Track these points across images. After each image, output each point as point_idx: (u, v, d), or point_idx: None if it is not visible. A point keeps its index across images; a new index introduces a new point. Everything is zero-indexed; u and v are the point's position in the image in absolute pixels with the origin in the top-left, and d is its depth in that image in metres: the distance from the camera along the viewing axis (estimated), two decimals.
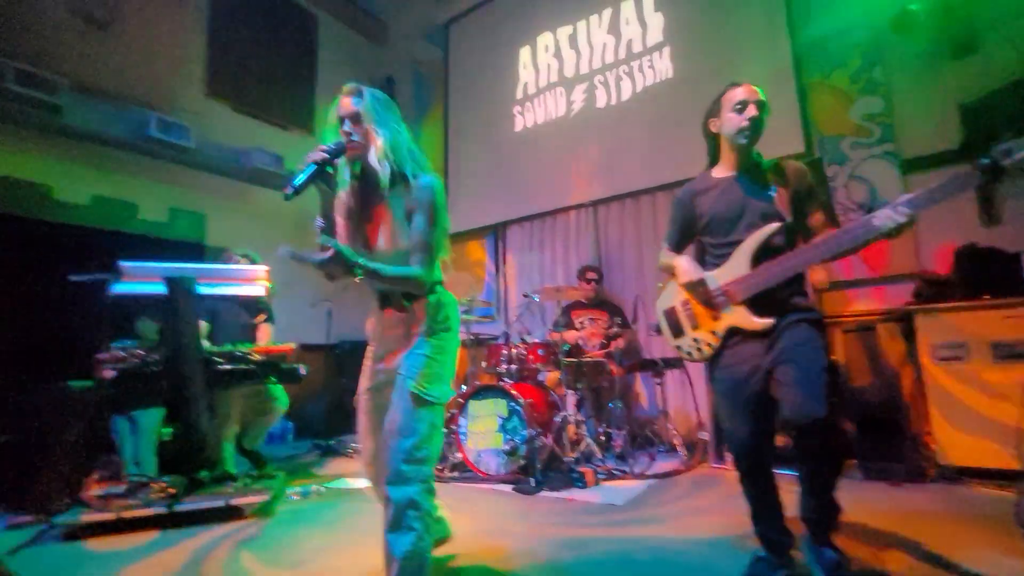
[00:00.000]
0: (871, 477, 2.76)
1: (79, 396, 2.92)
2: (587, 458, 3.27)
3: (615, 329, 4.02)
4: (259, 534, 2.35)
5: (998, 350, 2.59)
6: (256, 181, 5.09)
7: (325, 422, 4.73)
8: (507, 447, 3.10)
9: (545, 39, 5.40)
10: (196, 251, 4.65)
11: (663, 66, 4.55)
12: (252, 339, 3.40)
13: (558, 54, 5.29)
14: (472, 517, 2.45)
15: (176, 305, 2.66)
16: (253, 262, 3.39)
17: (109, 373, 2.62)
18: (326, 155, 1.43)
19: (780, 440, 2.05)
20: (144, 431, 3.02)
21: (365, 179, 1.57)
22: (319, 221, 1.54)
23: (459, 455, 3.27)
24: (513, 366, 3.47)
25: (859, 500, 2.16)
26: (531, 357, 3.54)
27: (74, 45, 3.97)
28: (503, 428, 3.15)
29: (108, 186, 4.18)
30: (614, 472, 3.14)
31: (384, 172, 1.49)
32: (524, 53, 5.56)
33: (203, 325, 3.15)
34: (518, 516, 2.51)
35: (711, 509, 2.49)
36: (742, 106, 1.69)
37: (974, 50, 3.27)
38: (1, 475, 2.70)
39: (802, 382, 1.49)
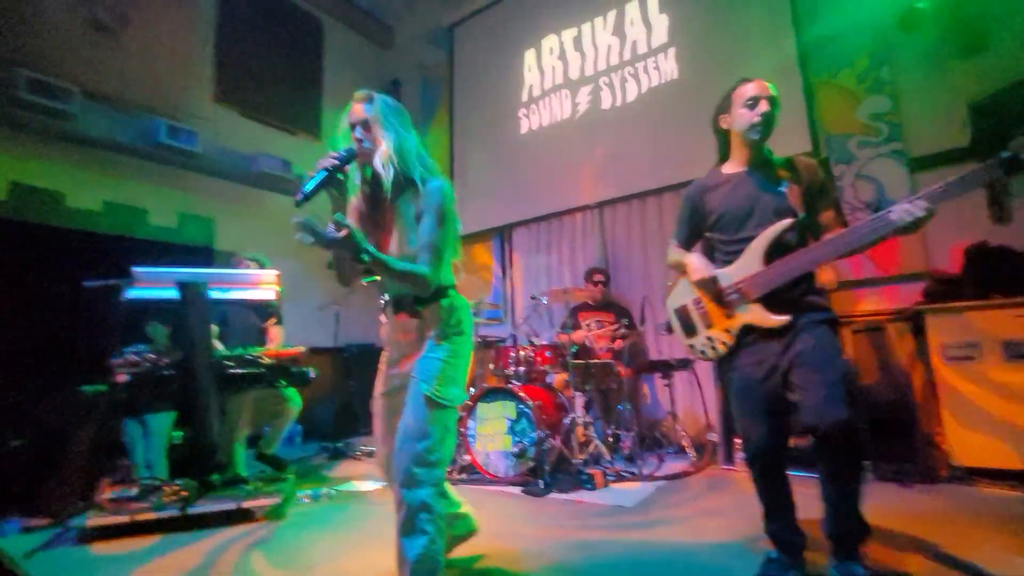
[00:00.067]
0: (882, 478, 2.75)
1: (92, 400, 2.96)
2: (596, 460, 3.27)
3: (622, 331, 4.02)
4: (270, 537, 2.37)
5: (1009, 350, 2.57)
6: (264, 185, 5.13)
7: (333, 425, 4.75)
8: (516, 449, 3.11)
9: (550, 41, 5.41)
10: (205, 255, 4.69)
11: (668, 67, 4.55)
12: (262, 342, 3.42)
13: (563, 56, 5.30)
14: (481, 519, 2.45)
15: (188, 309, 2.69)
16: (262, 266, 3.42)
17: (123, 377, 2.65)
18: (337, 161, 1.45)
19: (793, 441, 2.04)
20: (155, 434, 3.06)
21: (376, 184, 1.58)
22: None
23: (468, 457, 3.28)
24: (521, 368, 3.48)
25: (871, 501, 2.15)
26: (539, 359, 3.54)
27: (85, 53, 4.02)
28: (512, 430, 3.16)
29: (119, 192, 4.23)
30: (623, 474, 3.14)
31: (387, 176, 1.50)
32: (529, 56, 5.57)
33: (212, 328, 3.17)
34: (527, 518, 2.51)
35: (721, 510, 2.48)
36: (754, 102, 1.68)
37: (983, 48, 3.25)
38: (16, 479, 2.73)
39: (822, 386, 1.48)
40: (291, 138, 5.54)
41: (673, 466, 3.33)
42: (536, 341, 3.79)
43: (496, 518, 2.52)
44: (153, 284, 2.66)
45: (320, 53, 5.97)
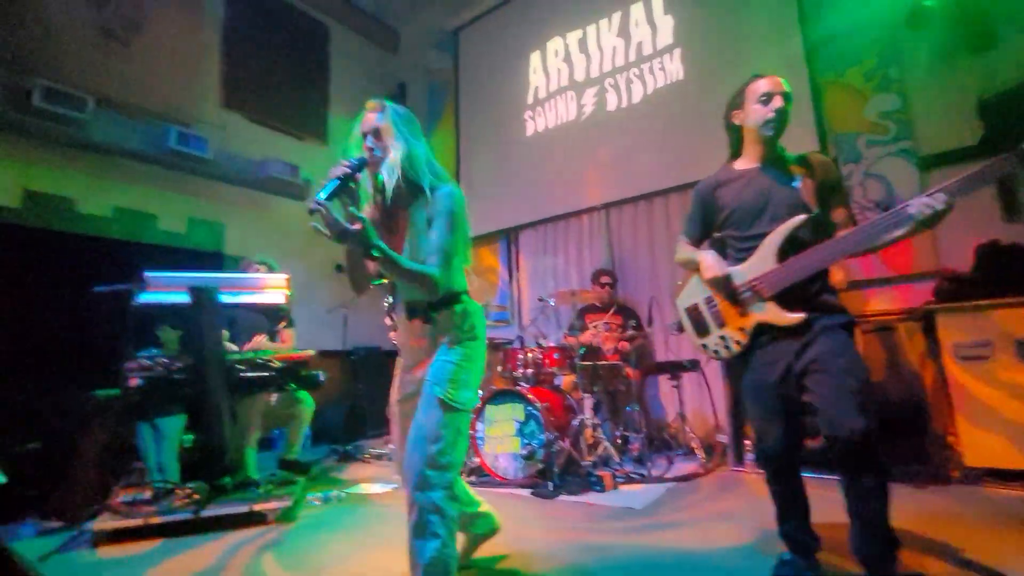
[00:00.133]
0: (894, 479, 2.72)
1: (105, 404, 2.99)
2: (604, 462, 3.27)
3: (630, 332, 4.02)
4: (281, 540, 2.38)
5: (1023, 349, 2.54)
6: (272, 190, 5.17)
7: (342, 427, 4.77)
8: (524, 451, 3.11)
9: (555, 44, 5.43)
10: (215, 260, 4.73)
11: (674, 68, 4.55)
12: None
13: (568, 58, 5.31)
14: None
15: (199, 314, 2.71)
16: (271, 269, 3.45)
17: (135, 381, 2.68)
18: (349, 169, 1.46)
19: (807, 442, 2.02)
20: (167, 438, 3.08)
21: (386, 192, 1.59)
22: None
23: (476, 459, 3.28)
24: (529, 370, 3.48)
25: None
26: (547, 361, 3.54)
27: (97, 62, 4.08)
28: (520, 432, 3.16)
29: (129, 198, 4.28)
30: (632, 476, 3.13)
31: (390, 183, 1.52)
32: (534, 58, 5.59)
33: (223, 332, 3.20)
34: (537, 520, 2.51)
35: (732, 512, 2.47)
36: (767, 98, 1.66)
37: (992, 45, 3.23)
38: (31, 482, 2.76)
39: (839, 396, 1.45)
40: (299, 143, 5.59)
41: (682, 467, 3.32)
42: (544, 343, 3.79)
43: (506, 520, 2.49)
44: (165, 288, 2.69)
45: (326, 58, 6.02)
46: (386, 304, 1.72)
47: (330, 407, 5.06)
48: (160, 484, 2.76)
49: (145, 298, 2.65)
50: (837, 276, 3.54)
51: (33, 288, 3.61)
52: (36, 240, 3.74)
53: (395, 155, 1.53)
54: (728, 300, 1.73)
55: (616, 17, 4.98)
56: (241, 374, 2.87)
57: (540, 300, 3.87)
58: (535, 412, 3.11)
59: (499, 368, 3.71)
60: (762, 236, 1.65)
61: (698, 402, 4.02)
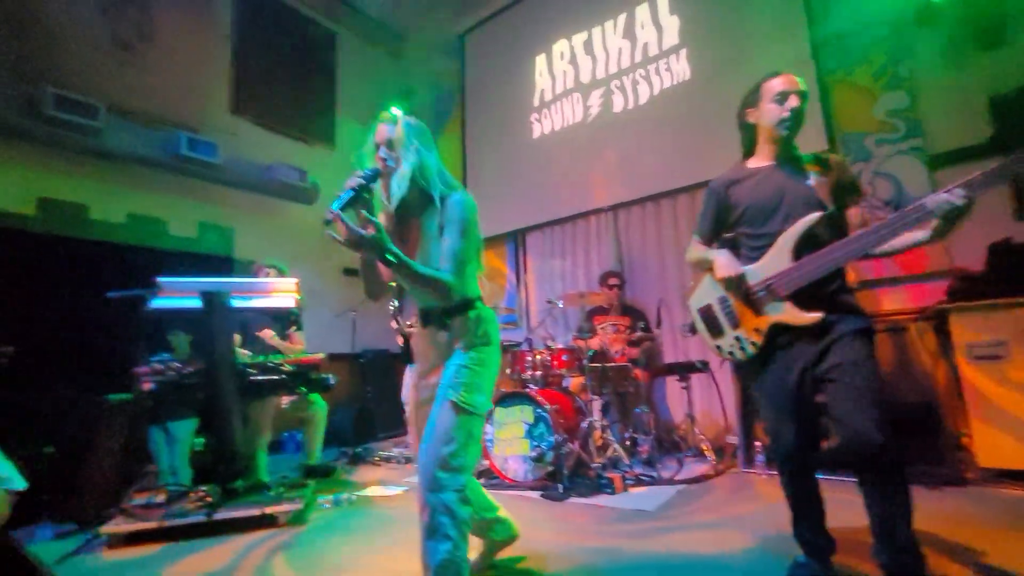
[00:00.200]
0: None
1: (119, 408, 3.02)
2: (614, 464, 3.26)
3: (638, 334, 4.01)
4: (293, 542, 2.39)
5: None
6: (281, 195, 5.21)
7: (352, 430, 4.78)
8: (534, 453, 3.11)
9: (560, 46, 5.44)
10: (225, 264, 4.78)
11: (680, 68, 4.54)
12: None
13: (574, 60, 5.32)
14: None
15: (211, 318, 2.74)
16: (281, 272, 3.47)
17: (148, 385, 2.71)
18: (363, 181, 1.49)
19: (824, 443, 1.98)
20: (179, 441, 3.11)
21: (400, 202, 1.62)
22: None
23: (486, 462, 3.29)
24: (538, 372, 3.48)
25: None
26: (555, 363, 3.54)
27: (109, 70, 4.13)
28: (529, 434, 3.16)
29: (141, 204, 4.33)
30: (642, 478, 3.12)
31: (398, 194, 1.55)
32: (540, 61, 5.60)
33: (236, 337, 3.23)
34: (548, 523, 2.51)
35: (744, 514, 2.46)
36: (783, 97, 1.63)
37: (1002, 42, 3.21)
38: (46, 486, 2.80)
39: (859, 408, 1.43)
40: (307, 147, 5.63)
41: (693, 469, 3.30)
42: (552, 345, 3.79)
43: (516, 523, 2.51)
44: (177, 294, 2.72)
45: (334, 64, 6.06)
46: (392, 308, 1.75)
47: (339, 410, 5.07)
48: (173, 487, 2.79)
49: (158, 303, 2.68)
50: (848, 276, 3.51)
51: (47, 294, 3.66)
52: (49, 246, 3.79)
53: (406, 166, 1.55)
54: (742, 300, 1.69)
55: (621, 19, 4.98)
56: (252, 378, 2.90)
57: (549, 302, 3.87)
58: (544, 414, 3.11)
59: (508, 370, 3.72)
60: (776, 234, 1.62)
61: (707, 403, 4.00)
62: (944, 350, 2.83)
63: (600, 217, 4.97)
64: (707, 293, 1.82)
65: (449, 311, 1.60)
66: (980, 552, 1.81)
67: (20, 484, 1.46)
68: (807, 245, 1.57)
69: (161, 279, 2.70)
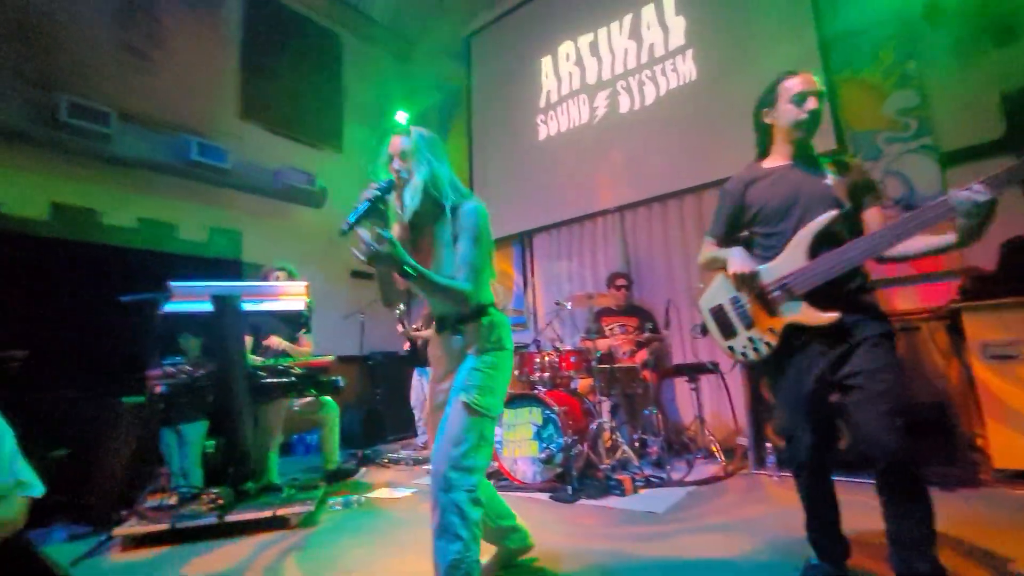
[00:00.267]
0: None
1: (132, 411, 3.05)
2: (623, 465, 3.25)
3: (646, 335, 3.99)
4: (304, 544, 2.41)
5: None
6: (289, 198, 5.26)
7: (361, 432, 4.80)
8: (543, 455, 3.10)
9: (566, 48, 5.44)
10: (234, 268, 4.81)
11: (686, 69, 4.53)
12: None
13: (579, 62, 5.32)
14: None
15: (222, 322, 2.76)
16: (291, 275, 3.49)
17: (159, 388, 2.73)
18: (378, 192, 1.55)
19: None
20: (190, 443, 3.13)
21: (413, 213, 1.66)
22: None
23: (495, 463, 3.29)
24: (546, 374, 3.48)
25: None
26: (564, 364, 3.54)
27: (120, 77, 4.19)
28: (538, 436, 3.16)
29: (152, 209, 4.39)
30: (652, 479, 3.11)
31: (412, 206, 1.60)
32: (546, 63, 5.61)
33: (247, 339, 3.25)
34: (558, 525, 2.50)
35: (755, 516, 2.44)
36: (801, 97, 1.60)
37: (1013, 38, 3.17)
38: (60, 488, 2.83)
39: (878, 417, 1.39)
40: (314, 151, 5.67)
41: (702, 471, 3.28)
42: (560, 346, 3.78)
43: (526, 524, 2.52)
44: (188, 298, 2.74)
45: (340, 68, 6.11)
46: (398, 312, 1.78)
47: (348, 412, 5.10)
48: (185, 489, 2.81)
49: (170, 307, 2.71)
50: None
51: (60, 298, 3.70)
52: (62, 251, 3.84)
53: (418, 178, 1.60)
54: (756, 299, 1.65)
55: (627, 20, 4.98)
56: (263, 380, 2.92)
57: (557, 304, 3.87)
58: (553, 416, 3.10)
59: (516, 372, 3.72)
60: (791, 233, 1.58)
61: (717, 404, 3.98)
62: (957, 350, 2.80)
63: (607, 218, 4.97)
64: (719, 293, 1.77)
65: (463, 317, 1.64)
66: (997, 555, 1.78)
67: (39, 491, 1.48)
68: (823, 244, 1.53)
69: (173, 283, 2.73)
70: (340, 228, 1.49)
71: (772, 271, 1.61)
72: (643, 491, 2.96)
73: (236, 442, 2.78)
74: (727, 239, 1.79)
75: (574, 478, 2.96)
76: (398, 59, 6.82)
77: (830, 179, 1.59)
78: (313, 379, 3.01)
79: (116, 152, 4.03)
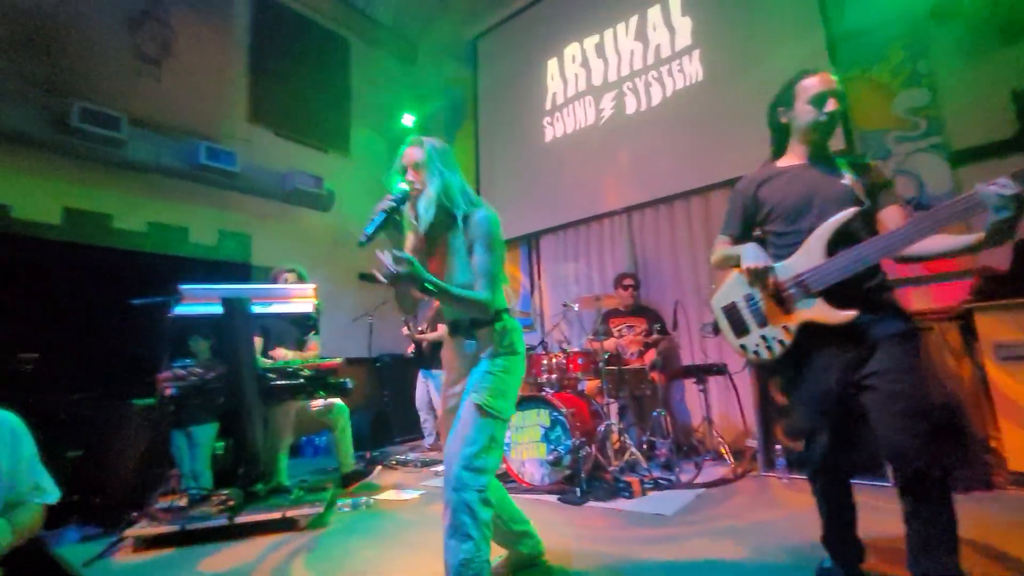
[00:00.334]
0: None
1: (142, 413, 3.08)
2: (632, 467, 3.24)
3: (654, 336, 3.98)
4: (314, 545, 2.41)
5: None
6: (297, 202, 5.29)
7: (369, 434, 4.82)
8: (551, 457, 3.10)
9: (572, 50, 5.45)
10: (243, 271, 4.85)
11: (693, 69, 4.52)
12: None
13: (585, 64, 5.32)
14: None
15: (233, 324, 2.78)
16: (301, 276, 3.51)
17: (170, 390, 2.75)
18: (393, 203, 1.60)
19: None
20: (200, 445, 3.16)
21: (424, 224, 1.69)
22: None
23: (503, 465, 3.28)
24: (553, 375, 3.47)
25: None
26: (571, 366, 3.53)
27: (131, 82, 4.24)
28: (546, 438, 3.15)
29: (163, 213, 4.43)
30: (660, 482, 3.09)
31: (426, 219, 1.64)
32: (552, 65, 5.61)
33: (257, 341, 3.27)
34: (567, 527, 2.50)
35: (765, 518, 2.42)
36: (820, 98, 1.56)
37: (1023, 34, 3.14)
38: (73, 489, 2.86)
39: (900, 421, 1.35)
40: (322, 155, 5.71)
41: (711, 473, 3.27)
42: (568, 348, 3.78)
43: (535, 527, 2.51)
44: (199, 300, 2.77)
45: (348, 72, 6.14)
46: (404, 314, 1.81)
47: (356, 414, 5.12)
48: (195, 491, 2.83)
49: (180, 310, 2.73)
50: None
51: (72, 301, 3.75)
52: (75, 255, 3.89)
53: (432, 190, 1.64)
54: (771, 296, 1.59)
55: (633, 21, 4.97)
56: (272, 382, 2.94)
57: (565, 306, 3.87)
58: (561, 418, 3.10)
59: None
60: (807, 232, 1.54)
61: (725, 406, 3.96)
62: (969, 350, 2.77)
63: (614, 220, 4.96)
64: (732, 291, 1.72)
65: (476, 322, 1.67)
66: (1011, 557, 1.76)
67: (54, 497, 1.50)
68: (841, 242, 1.48)
69: (183, 286, 2.75)
70: (358, 240, 1.54)
71: (788, 268, 1.57)
72: (652, 493, 2.94)
73: (246, 444, 2.80)
74: (741, 238, 1.74)
75: (582, 480, 2.96)
76: (405, 62, 6.85)
77: (848, 179, 1.55)
78: (322, 381, 3.02)
79: (127, 156, 4.07)
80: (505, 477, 3.27)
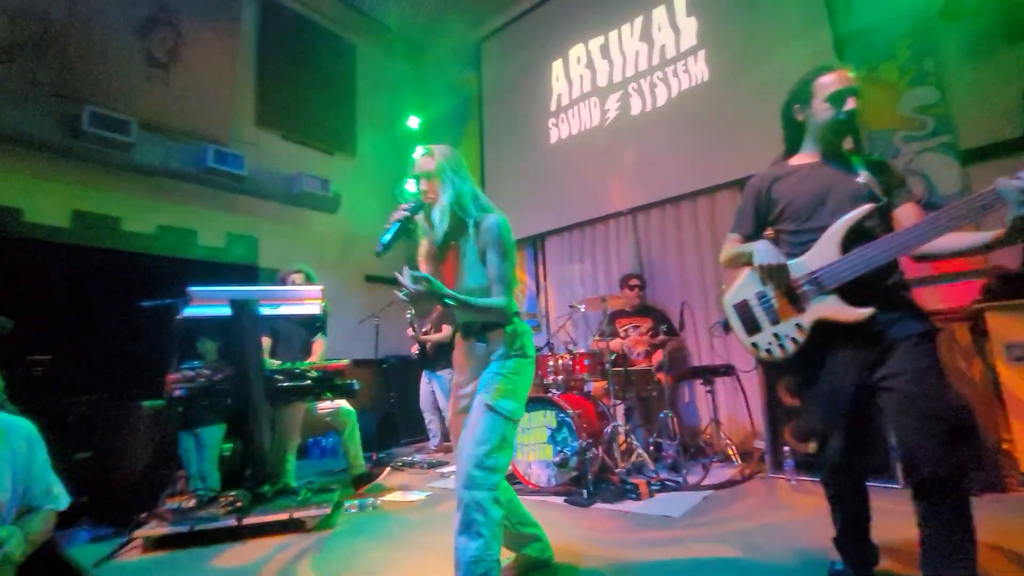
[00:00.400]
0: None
1: (151, 415, 3.10)
2: (639, 469, 3.22)
3: (661, 336, 3.97)
4: (321, 546, 2.42)
5: None
6: (304, 204, 5.32)
7: (375, 435, 4.83)
8: (557, 459, 3.09)
9: (577, 51, 5.45)
10: (250, 273, 4.89)
11: (698, 70, 4.51)
12: (308, 354, 3.53)
13: (590, 65, 5.32)
14: None
15: (241, 326, 2.80)
16: (309, 277, 3.52)
17: (179, 392, 2.77)
18: (408, 213, 1.65)
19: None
20: (208, 447, 3.18)
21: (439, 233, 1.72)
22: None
23: (509, 468, 3.28)
24: (559, 377, 3.47)
25: None
26: (577, 367, 3.52)
27: (140, 87, 4.28)
28: (552, 439, 3.15)
29: (171, 216, 4.47)
30: (667, 483, 3.08)
31: (441, 228, 1.67)
32: (556, 66, 5.61)
33: (265, 342, 3.29)
34: (574, 529, 2.49)
35: (774, 520, 2.40)
36: (839, 97, 1.50)
37: None
38: (83, 490, 2.88)
39: (917, 424, 1.32)
40: (329, 157, 5.74)
41: (719, 474, 3.25)
42: (574, 349, 3.77)
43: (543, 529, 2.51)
44: (207, 302, 2.79)
45: (354, 75, 6.18)
46: (408, 316, 1.83)
47: (363, 415, 5.13)
48: (203, 492, 2.85)
49: (189, 312, 2.75)
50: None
51: (81, 303, 3.78)
52: (84, 258, 3.93)
53: (444, 200, 1.68)
54: (784, 294, 1.56)
55: (638, 22, 4.97)
56: (280, 384, 2.95)
57: (571, 307, 3.86)
58: (567, 419, 3.09)
59: None
60: (822, 229, 1.51)
61: (733, 407, 3.94)
62: (981, 351, 2.74)
63: (619, 221, 4.95)
64: (744, 288, 1.68)
65: (489, 325, 1.70)
66: None
67: (65, 503, 1.53)
68: (856, 239, 1.45)
69: (192, 288, 2.78)
70: (375, 250, 1.59)
71: (802, 265, 1.53)
72: (659, 495, 2.93)
73: (253, 445, 2.81)
74: (753, 237, 1.70)
75: (589, 482, 2.95)
76: (410, 65, 6.88)
77: (864, 176, 1.52)
78: (329, 382, 3.03)
79: (136, 160, 4.12)
80: (511, 478, 3.26)
